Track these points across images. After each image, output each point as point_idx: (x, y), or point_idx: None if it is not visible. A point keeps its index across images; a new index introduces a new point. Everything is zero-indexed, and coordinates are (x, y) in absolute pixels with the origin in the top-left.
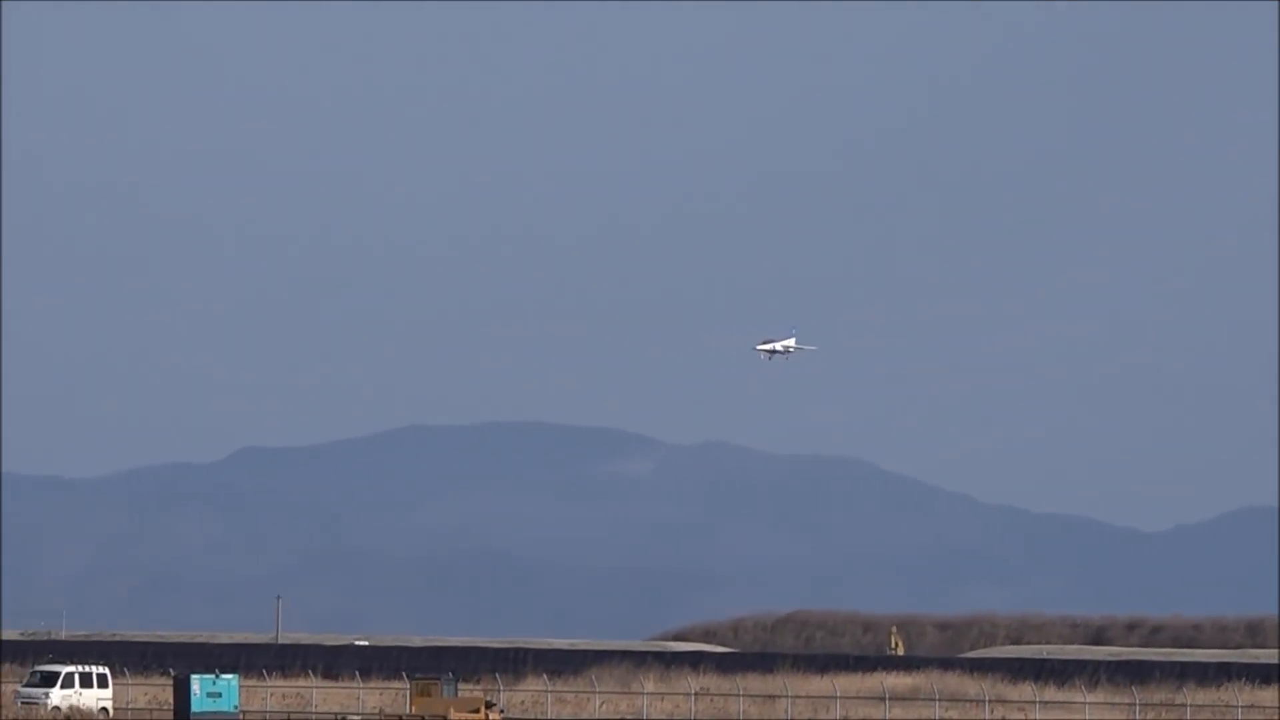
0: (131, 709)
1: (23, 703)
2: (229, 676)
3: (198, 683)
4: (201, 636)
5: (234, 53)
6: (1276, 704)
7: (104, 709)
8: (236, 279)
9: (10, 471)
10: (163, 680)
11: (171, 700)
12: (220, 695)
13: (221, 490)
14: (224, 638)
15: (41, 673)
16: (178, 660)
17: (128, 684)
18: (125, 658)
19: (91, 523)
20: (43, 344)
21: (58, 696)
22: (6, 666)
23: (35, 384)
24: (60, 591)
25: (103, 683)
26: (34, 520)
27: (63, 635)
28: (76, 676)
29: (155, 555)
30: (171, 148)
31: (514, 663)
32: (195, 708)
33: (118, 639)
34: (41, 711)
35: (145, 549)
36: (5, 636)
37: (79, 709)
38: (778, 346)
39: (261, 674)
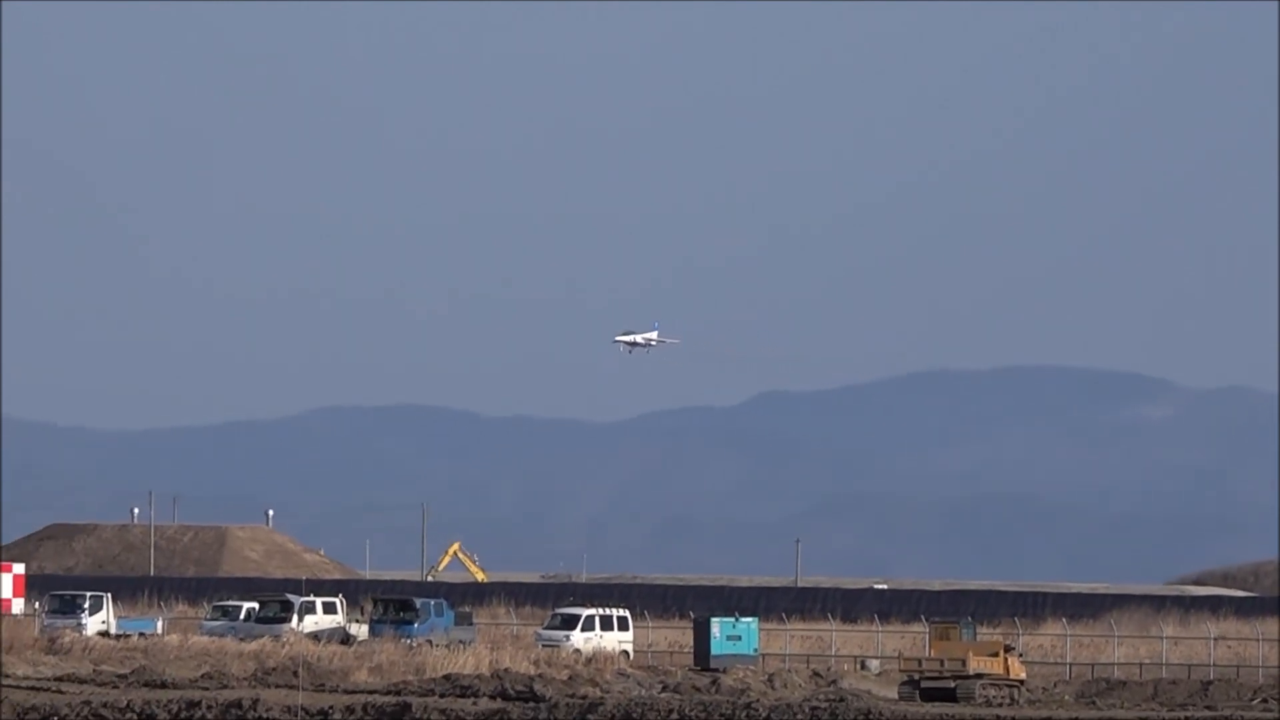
0: (652, 651)
1: (544, 645)
2: (749, 619)
3: (718, 625)
4: (721, 579)
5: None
6: None
7: (624, 652)
8: (740, 228)
9: (530, 416)
10: (682, 623)
11: (691, 643)
12: (740, 638)
13: (741, 433)
14: (743, 581)
15: (562, 615)
16: (697, 603)
17: (648, 627)
18: (645, 601)
19: (611, 466)
20: (559, 293)
21: (579, 639)
22: (528, 608)
23: (552, 332)
24: (580, 535)
25: (623, 625)
26: (554, 464)
27: (583, 578)
28: (597, 619)
29: (674, 498)
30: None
31: (1033, 606)
32: (715, 650)
33: (637, 582)
34: (563, 654)
35: (664, 492)
36: (526, 579)
37: (600, 651)
38: (639, 339)
39: (780, 617)
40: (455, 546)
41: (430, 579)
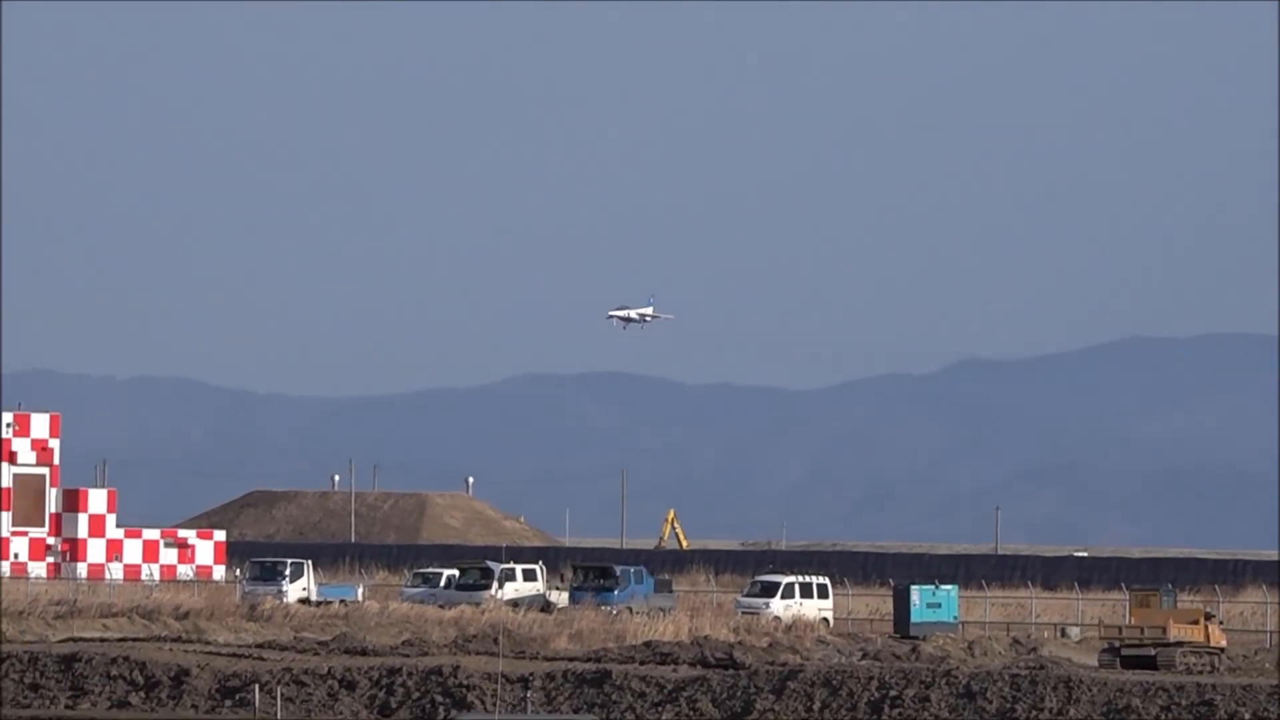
0: (851, 619)
1: (744, 612)
2: (948, 587)
3: (918, 593)
4: (920, 547)
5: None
6: None
7: (824, 619)
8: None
9: (730, 383)
10: (882, 591)
11: (891, 610)
12: (940, 606)
13: (940, 401)
14: (943, 548)
15: (762, 583)
16: (896, 571)
17: (848, 594)
18: (845, 568)
19: (811, 434)
20: (766, 261)
21: (778, 606)
22: (728, 575)
23: (752, 300)
24: (780, 503)
25: (823, 593)
26: (755, 432)
27: (783, 546)
28: (797, 587)
29: (873, 466)
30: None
31: (1233, 574)
32: (915, 618)
33: (837, 549)
34: (762, 621)
35: (863, 460)
36: (726, 547)
37: (800, 619)
38: (633, 314)
39: (980, 585)
40: (671, 515)
41: (661, 548)
